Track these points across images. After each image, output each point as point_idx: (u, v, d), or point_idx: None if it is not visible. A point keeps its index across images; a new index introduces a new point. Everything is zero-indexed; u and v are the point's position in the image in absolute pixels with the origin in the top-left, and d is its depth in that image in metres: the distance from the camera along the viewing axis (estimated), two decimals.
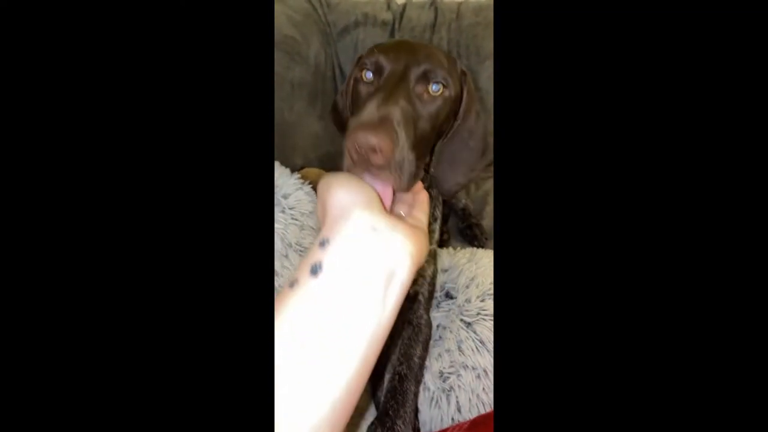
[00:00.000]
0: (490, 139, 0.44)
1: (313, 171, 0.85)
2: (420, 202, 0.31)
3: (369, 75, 0.39)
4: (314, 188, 0.60)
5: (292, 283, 0.23)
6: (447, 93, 0.39)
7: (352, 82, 0.44)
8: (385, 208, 0.27)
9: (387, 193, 0.30)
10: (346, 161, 0.31)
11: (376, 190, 0.27)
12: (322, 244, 0.23)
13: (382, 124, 0.30)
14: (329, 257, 0.23)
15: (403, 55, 0.38)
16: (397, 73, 0.37)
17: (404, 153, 0.31)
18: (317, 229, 0.55)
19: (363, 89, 0.40)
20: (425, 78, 0.38)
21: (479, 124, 0.43)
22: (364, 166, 0.30)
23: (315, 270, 0.22)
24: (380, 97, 0.33)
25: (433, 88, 0.38)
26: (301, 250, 0.50)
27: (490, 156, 0.44)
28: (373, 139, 0.29)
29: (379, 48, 0.40)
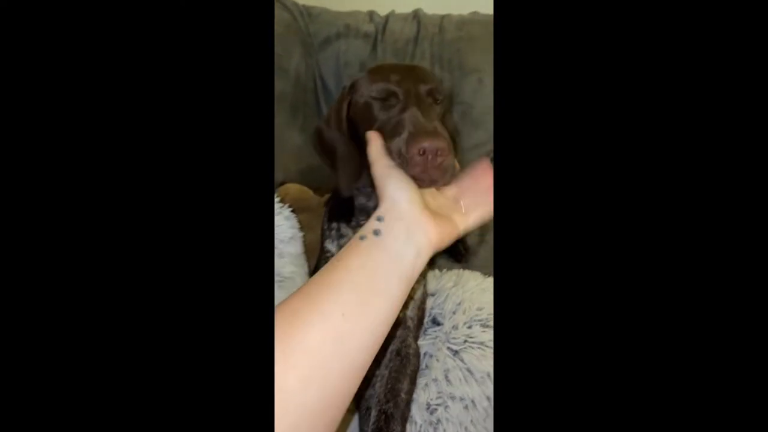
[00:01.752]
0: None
1: (293, 187, 0.81)
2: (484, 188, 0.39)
3: (382, 98, 0.45)
4: (293, 210, 0.57)
5: (362, 237, 0.34)
6: (441, 100, 0.48)
7: (346, 106, 0.49)
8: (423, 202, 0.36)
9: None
10: (406, 163, 0.38)
11: (417, 188, 0.36)
12: (379, 219, 0.35)
13: (438, 132, 0.39)
14: (384, 228, 0.34)
15: (406, 77, 0.46)
16: (412, 93, 0.44)
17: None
18: (296, 255, 0.53)
19: (379, 111, 0.45)
20: (431, 95, 0.46)
21: (451, 122, 0.54)
22: (425, 166, 0.37)
23: (377, 233, 0.34)
24: (416, 113, 0.41)
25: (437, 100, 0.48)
26: (280, 280, 0.47)
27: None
28: (440, 143, 0.37)
29: (379, 74, 0.47)
